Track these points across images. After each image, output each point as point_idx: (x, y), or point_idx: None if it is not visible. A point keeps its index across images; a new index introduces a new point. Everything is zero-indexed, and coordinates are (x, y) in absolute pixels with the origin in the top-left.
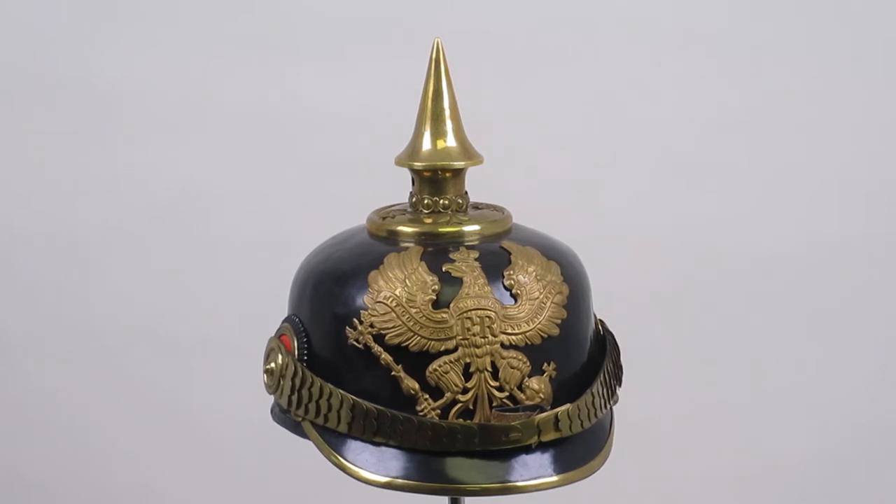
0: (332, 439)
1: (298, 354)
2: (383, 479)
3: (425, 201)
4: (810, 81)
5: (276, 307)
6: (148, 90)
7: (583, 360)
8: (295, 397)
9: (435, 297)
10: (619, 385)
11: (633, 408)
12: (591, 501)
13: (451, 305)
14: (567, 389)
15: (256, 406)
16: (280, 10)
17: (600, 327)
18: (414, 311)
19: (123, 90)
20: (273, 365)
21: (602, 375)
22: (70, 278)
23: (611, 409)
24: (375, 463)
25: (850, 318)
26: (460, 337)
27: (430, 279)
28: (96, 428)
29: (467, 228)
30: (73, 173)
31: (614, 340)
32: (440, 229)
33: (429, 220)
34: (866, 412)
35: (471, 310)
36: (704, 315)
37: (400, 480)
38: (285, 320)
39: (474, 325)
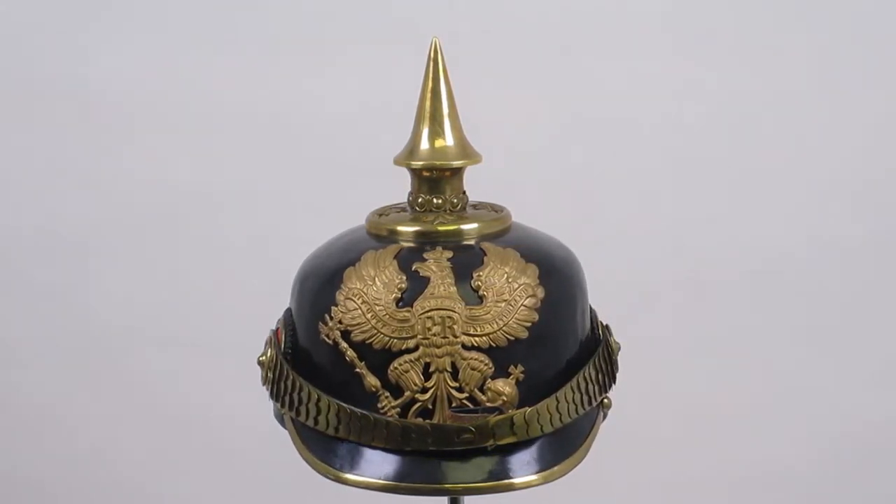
0: (304, 433)
1: (283, 347)
2: (341, 475)
3: (420, 200)
4: (813, 81)
5: (275, 307)
6: (147, 90)
7: (559, 365)
8: (275, 389)
9: (400, 296)
10: (604, 391)
11: (632, 408)
12: (590, 501)
13: (415, 305)
14: (538, 393)
15: (256, 405)
16: (280, 9)
17: (599, 332)
18: (378, 308)
19: (122, 90)
20: (264, 357)
21: (576, 380)
22: (70, 278)
23: (595, 413)
24: (338, 458)
25: (852, 319)
26: (421, 336)
27: (399, 278)
28: (95, 427)
29: (462, 227)
30: (72, 173)
31: (608, 346)
32: (435, 228)
33: (424, 219)
34: (867, 413)
35: (432, 310)
36: (704, 315)
37: (353, 477)
38: (283, 314)
39: (435, 325)
